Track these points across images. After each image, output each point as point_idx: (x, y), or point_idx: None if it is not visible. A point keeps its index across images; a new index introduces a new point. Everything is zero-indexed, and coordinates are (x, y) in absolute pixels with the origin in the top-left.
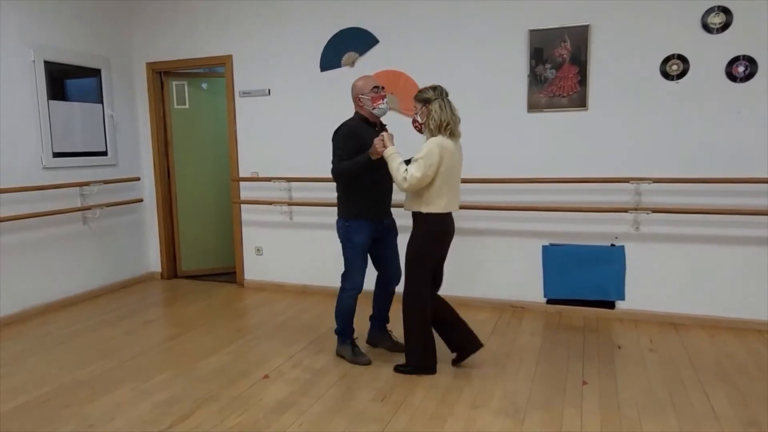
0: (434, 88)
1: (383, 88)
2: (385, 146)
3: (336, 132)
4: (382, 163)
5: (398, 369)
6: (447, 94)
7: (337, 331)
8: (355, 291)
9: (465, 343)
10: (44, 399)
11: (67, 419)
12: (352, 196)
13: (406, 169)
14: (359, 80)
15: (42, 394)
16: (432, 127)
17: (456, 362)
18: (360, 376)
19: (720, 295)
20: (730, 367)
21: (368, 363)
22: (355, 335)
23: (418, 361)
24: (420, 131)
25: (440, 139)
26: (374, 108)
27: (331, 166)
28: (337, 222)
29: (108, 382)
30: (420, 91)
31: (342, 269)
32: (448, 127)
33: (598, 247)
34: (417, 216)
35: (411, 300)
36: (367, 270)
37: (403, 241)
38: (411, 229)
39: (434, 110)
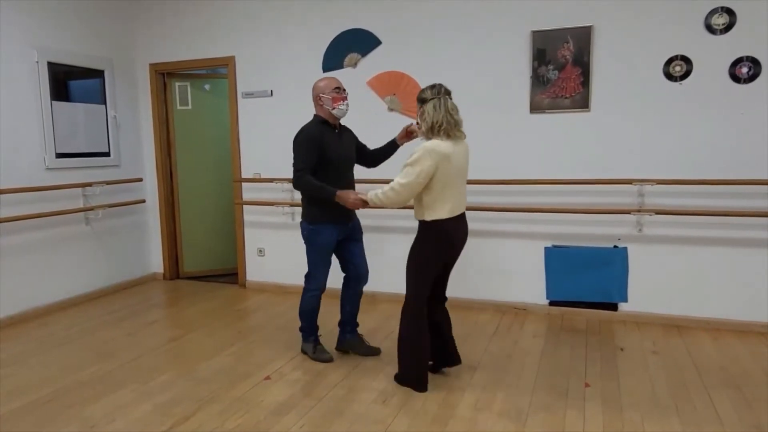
0: (432, 86)
1: (345, 90)
2: (364, 204)
3: (296, 138)
4: (346, 169)
5: (396, 378)
6: (447, 93)
7: (301, 329)
8: (318, 291)
9: (443, 356)
10: (46, 400)
11: (69, 420)
12: (318, 201)
13: (391, 184)
14: (321, 81)
15: (43, 395)
16: (424, 129)
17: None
18: (361, 378)
19: (723, 298)
20: (733, 369)
21: (330, 360)
22: (318, 333)
23: (406, 373)
24: (420, 131)
25: (432, 144)
26: (334, 108)
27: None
28: (301, 224)
29: (109, 383)
30: (420, 91)
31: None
32: (441, 128)
33: (600, 249)
34: (422, 224)
35: (407, 307)
36: (333, 272)
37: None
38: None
39: (427, 111)
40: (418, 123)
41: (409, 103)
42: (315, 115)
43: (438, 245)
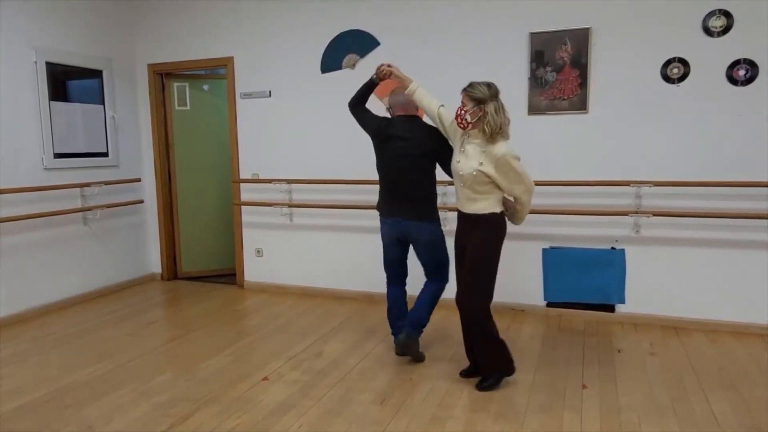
0: (489, 85)
1: None
2: None
3: (433, 127)
4: None
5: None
6: (499, 93)
7: (424, 326)
8: None
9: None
10: (44, 400)
11: (67, 420)
12: (435, 198)
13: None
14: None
15: (42, 395)
16: (487, 130)
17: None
18: (360, 378)
19: (721, 299)
20: (731, 371)
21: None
22: None
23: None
24: (464, 128)
25: (507, 145)
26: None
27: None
28: (430, 227)
29: (108, 384)
30: (473, 87)
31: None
32: (501, 130)
33: (598, 251)
34: (492, 217)
35: (485, 305)
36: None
37: None
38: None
39: (490, 113)
40: (464, 119)
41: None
42: (419, 117)
43: (502, 239)
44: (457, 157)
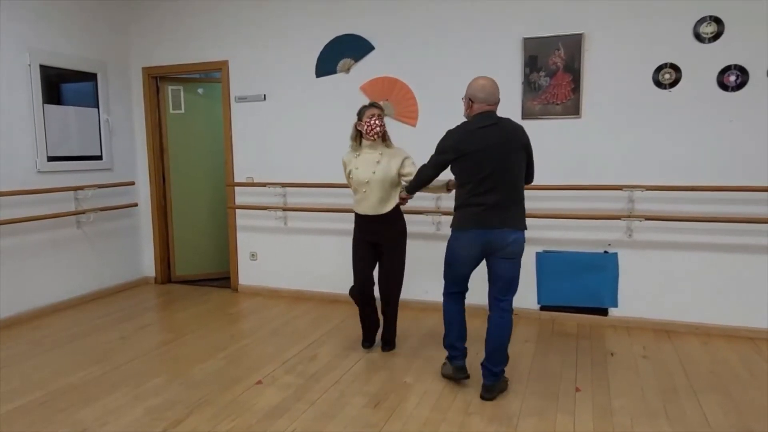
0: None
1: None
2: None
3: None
4: None
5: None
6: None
7: (506, 363)
8: None
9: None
10: (38, 403)
11: (60, 424)
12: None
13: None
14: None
15: (36, 398)
16: (388, 137)
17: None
18: (353, 382)
19: (713, 303)
20: (723, 374)
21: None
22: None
23: None
24: (381, 138)
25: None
26: None
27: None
28: (521, 236)
29: (102, 387)
30: (378, 105)
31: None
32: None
33: (591, 254)
34: (397, 211)
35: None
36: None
37: None
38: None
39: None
40: (381, 128)
41: (402, 109)
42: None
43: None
44: (365, 169)
